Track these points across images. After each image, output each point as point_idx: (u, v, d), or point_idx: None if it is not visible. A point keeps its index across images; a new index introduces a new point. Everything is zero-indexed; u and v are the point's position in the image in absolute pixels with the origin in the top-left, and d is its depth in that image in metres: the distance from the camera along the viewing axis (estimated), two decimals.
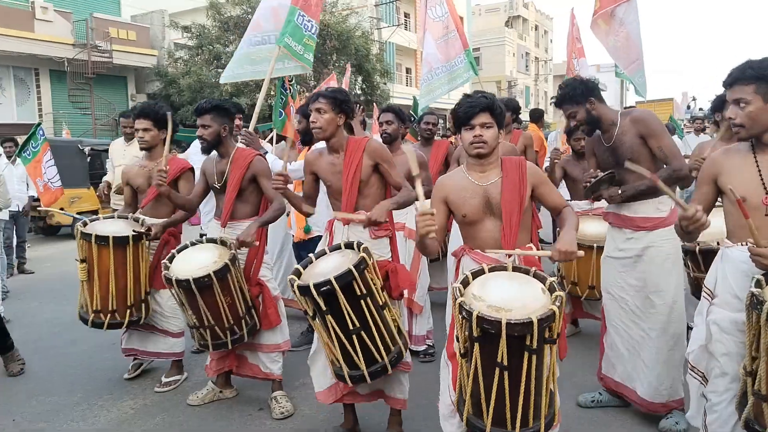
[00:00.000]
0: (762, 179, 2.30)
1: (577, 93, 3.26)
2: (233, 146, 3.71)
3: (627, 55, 6.02)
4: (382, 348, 2.80)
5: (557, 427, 2.48)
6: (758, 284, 2.14)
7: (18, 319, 5.80)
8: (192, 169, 4.12)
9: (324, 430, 3.36)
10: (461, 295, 2.19)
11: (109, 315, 3.81)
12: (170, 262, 3.49)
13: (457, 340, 2.25)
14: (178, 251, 3.59)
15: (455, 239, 4.18)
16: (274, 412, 3.59)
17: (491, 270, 2.36)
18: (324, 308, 2.69)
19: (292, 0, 4.84)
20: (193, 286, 3.29)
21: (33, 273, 8.23)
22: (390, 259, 3.21)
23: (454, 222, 3.11)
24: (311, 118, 3.17)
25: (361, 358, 2.78)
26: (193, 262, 3.44)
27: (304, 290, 2.68)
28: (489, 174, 2.62)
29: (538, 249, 2.68)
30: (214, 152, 3.72)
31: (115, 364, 4.38)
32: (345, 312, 2.68)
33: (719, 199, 2.51)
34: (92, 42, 19.15)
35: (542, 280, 2.27)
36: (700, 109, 22.83)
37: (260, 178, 3.62)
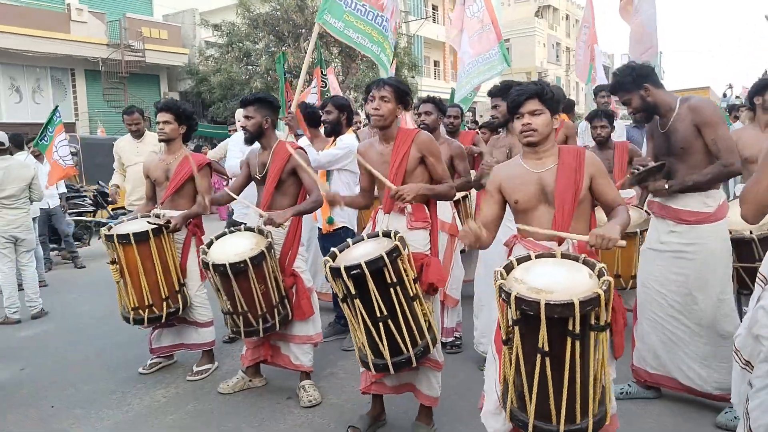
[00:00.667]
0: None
1: (628, 81, 3.20)
2: (275, 139, 3.78)
3: (640, 43, 5.96)
4: (408, 340, 2.79)
5: None
6: None
7: (56, 311, 5.99)
8: (210, 164, 4.20)
9: (351, 418, 3.38)
10: (503, 279, 2.15)
11: (147, 310, 3.91)
12: (208, 248, 3.57)
13: (500, 328, 2.20)
14: (217, 238, 3.67)
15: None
16: (302, 400, 3.63)
17: (538, 257, 2.29)
18: (353, 292, 2.70)
19: None
20: (229, 271, 3.36)
21: (84, 267, 8.37)
22: (428, 253, 3.16)
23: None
24: (374, 105, 3.11)
25: (386, 347, 2.78)
26: (231, 248, 3.52)
27: (336, 272, 2.70)
28: (544, 161, 2.55)
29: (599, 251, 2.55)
30: (257, 144, 3.78)
31: (147, 355, 4.48)
32: (373, 298, 2.69)
33: None
34: (125, 42, 19.55)
35: (591, 266, 2.16)
36: (737, 96, 22.05)
37: (300, 170, 3.66)
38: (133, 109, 5.87)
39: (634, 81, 3.17)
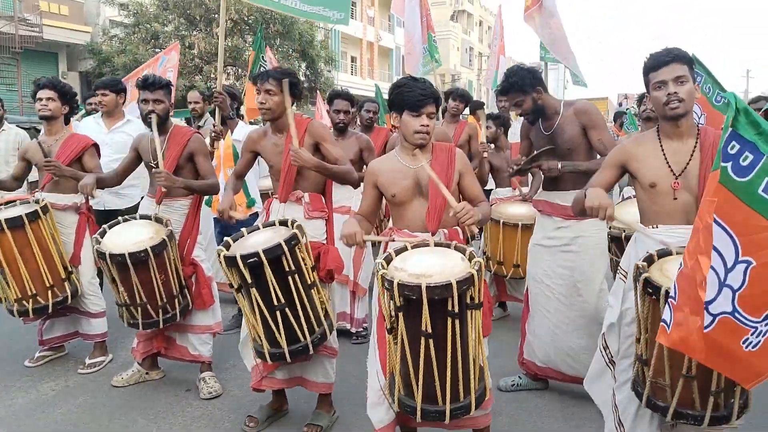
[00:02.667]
0: (669, 165, 2.44)
1: (526, 83, 3.28)
2: (171, 123, 3.67)
3: (563, 46, 6.20)
4: (306, 327, 2.79)
5: (489, 407, 2.55)
6: (649, 259, 2.26)
7: None
8: (96, 145, 4.02)
9: (251, 409, 3.34)
10: (384, 269, 2.23)
11: (31, 300, 3.67)
12: (102, 237, 3.40)
13: (383, 318, 2.28)
14: (110, 226, 3.50)
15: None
16: (202, 392, 3.55)
17: (414, 247, 2.41)
18: (249, 281, 2.66)
19: None
20: (128, 261, 3.22)
21: None
22: (324, 242, 3.20)
23: None
24: (260, 99, 3.10)
25: (283, 336, 2.76)
26: (128, 237, 3.37)
27: (231, 261, 2.65)
28: (419, 157, 2.62)
29: (465, 234, 2.66)
30: (146, 129, 3.63)
31: (36, 347, 4.21)
32: (271, 286, 2.67)
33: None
34: (20, 15, 18.14)
35: (462, 251, 2.32)
36: (631, 106, 23.68)
37: (197, 156, 3.59)
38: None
39: (531, 83, 3.29)
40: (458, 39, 44.01)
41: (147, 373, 3.77)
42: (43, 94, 3.87)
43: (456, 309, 2.07)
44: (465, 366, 2.17)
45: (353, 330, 4.56)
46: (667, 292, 2.04)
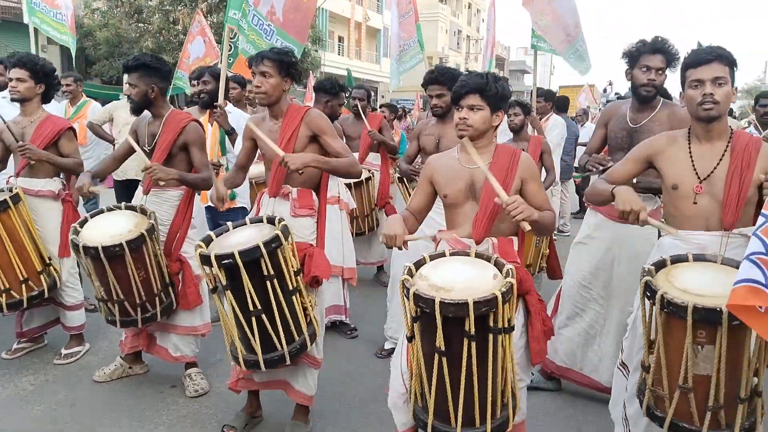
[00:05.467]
0: (694, 167, 2.33)
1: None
2: (167, 108, 3.44)
3: (557, 33, 6.07)
4: (283, 336, 2.63)
5: None
6: (660, 264, 2.17)
7: None
8: (72, 128, 3.82)
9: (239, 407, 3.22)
10: (410, 275, 2.08)
11: (4, 295, 3.50)
12: (81, 227, 3.20)
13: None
14: (92, 216, 3.29)
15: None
16: (188, 390, 3.42)
17: (453, 254, 2.23)
18: (224, 283, 2.51)
19: None
20: (102, 255, 3.01)
21: None
22: (313, 243, 3.03)
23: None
24: (255, 82, 2.91)
25: (258, 343, 2.61)
26: (106, 229, 3.16)
27: (206, 260, 2.49)
28: (476, 157, 2.40)
29: (521, 246, 2.50)
30: (146, 112, 3.44)
31: (12, 340, 4.04)
32: (246, 290, 2.50)
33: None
34: None
35: (500, 267, 2.11)
36: (616, 93, 23.07)
37: (192, 146, 3.38)
38: (4, 60, 5.22)
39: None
40: (447, 21, 43.59)
41: (130, 368, 3.63)
42: (14, 74, 3.61)
43: (472, 331, 1.90)
44: (482, 391, 2.01)
45: (348, 321, 4.44)
46: (663, 297, 1.96)
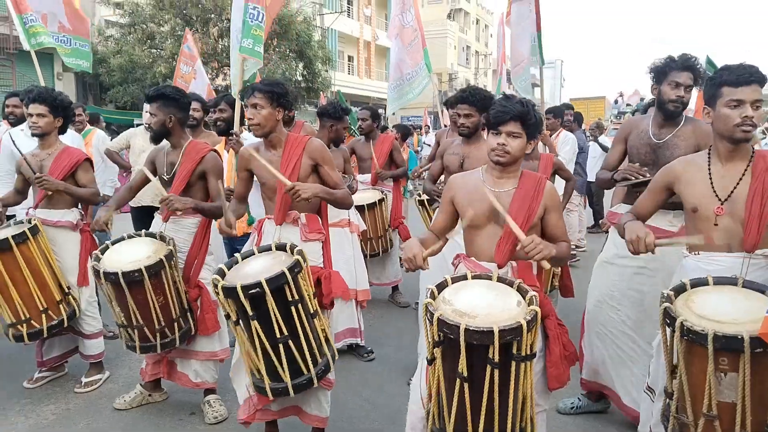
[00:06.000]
0: (714, 189, 2.32)
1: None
2: (186, 138, 3.51)
3: (514, 55, 6.21)
4: (309, 359, 2.64)
5: None
6: (680, 288, 2.14)
7: None
8: (89, 159, 3.89)
9: None
10: (432, 298, 2.09)
11: (25, 325, 3.55)
12: (102, 254, 3.27)
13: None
14: (113, 243, 3.36)
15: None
16: (207, 416, 3.44)
17: (474, 277, 2.22)
18: (250, 313, 2.51)
19: None
20: (122, 281, 3.07)
21: None
22: (322, 266, 3.08)
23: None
24: (248, 114, 2.99)
25: (286, 370, 2.61)
26: (126, 255, 3.23)
27: (230, 292, 2.49)
28: (505, 182, 2.44)
29: (540, 273, 2.49)
30: (165, 142, 3.52)
31: (33, 369, 4.10)
32: (273, 318, 2.51)
33: None
34: None
35: (523, 293, 2.11)
36: (628, 105, 22.81)
37: (209, 174, 3.44)
38: (20, 93, 5.30)
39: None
40: (455, 37, 43.86)
41: (150, 395, 3.66)
42: (34, 109, 3.69)
43: (497, 359, 1.89)
44: (502, 416, 2.00)
45: (363, 344, 4.45)
46: (682, 325, 1.93)
